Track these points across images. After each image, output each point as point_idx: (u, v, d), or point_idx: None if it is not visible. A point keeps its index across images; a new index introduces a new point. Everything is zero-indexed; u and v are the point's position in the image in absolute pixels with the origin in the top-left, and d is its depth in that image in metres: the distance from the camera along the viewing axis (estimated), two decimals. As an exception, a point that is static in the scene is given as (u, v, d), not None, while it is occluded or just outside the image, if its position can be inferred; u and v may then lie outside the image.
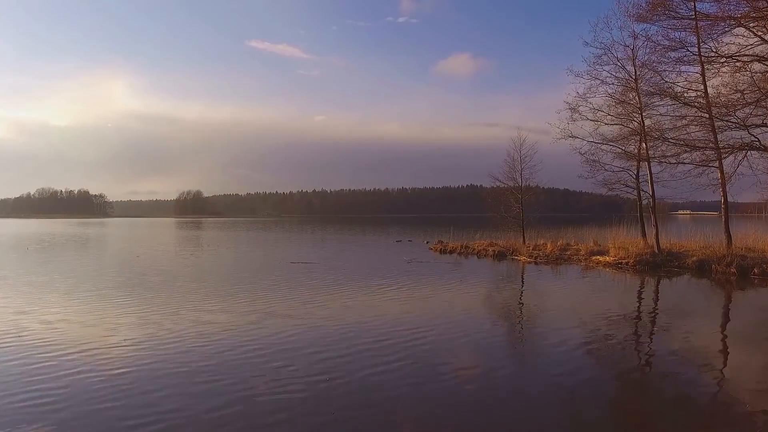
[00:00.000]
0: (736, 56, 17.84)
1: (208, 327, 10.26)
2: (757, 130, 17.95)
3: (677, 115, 20.15)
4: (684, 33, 19.33)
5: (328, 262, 23.75)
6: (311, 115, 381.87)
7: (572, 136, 22.96)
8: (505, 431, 5.72)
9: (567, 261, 23.41)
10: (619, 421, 6.25)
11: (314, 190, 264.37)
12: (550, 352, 8.88)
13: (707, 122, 19.19)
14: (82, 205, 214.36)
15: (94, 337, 9.45)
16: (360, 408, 6.20)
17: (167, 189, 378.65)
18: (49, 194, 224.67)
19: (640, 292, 16.44)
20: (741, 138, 18.37)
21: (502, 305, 14.07)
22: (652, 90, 20.42)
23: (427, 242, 36.28)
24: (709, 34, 18.47)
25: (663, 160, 20.66)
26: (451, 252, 29.23)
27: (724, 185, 19.68)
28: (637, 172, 23.19)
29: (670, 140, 19.78)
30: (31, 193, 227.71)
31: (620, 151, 23.00)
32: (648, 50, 20.70)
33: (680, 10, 19.25)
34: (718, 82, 18.91)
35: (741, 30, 17.54)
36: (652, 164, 21.61)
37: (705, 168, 19.55)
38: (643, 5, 20.21)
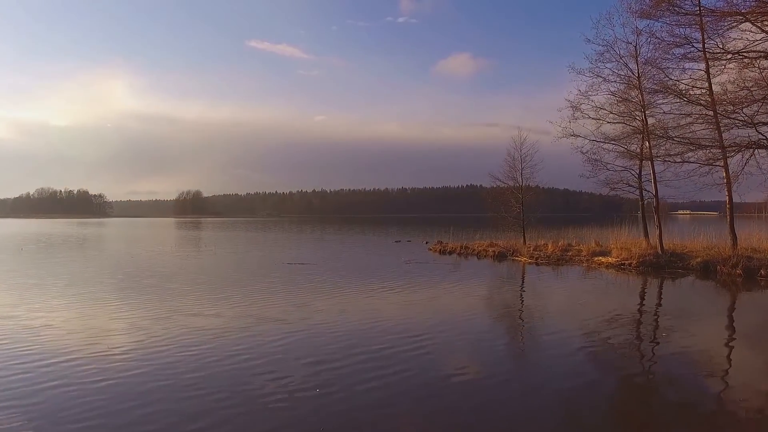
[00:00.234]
0: (742, 52, 17.37)
1: (197, 334, 9.80)
2: (765, 128, 17.45)
3: (681, 113, 19.71)
4: (688, 29, 18.88)
5: (325, 263, 23.30)
6: (311, 115, 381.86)
7: (574, 135, 22.54)
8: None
9: (568, 262, 22.97)
10: (620, 425, 6.09)
11: (314, 190, 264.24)
12: (551, 355, 8.70)
13: (712, 120, 18.74)
14: (82, 205, 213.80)
15: (77, 345, 8.99)
16: (350, 428, 5.74)
17: (167, 189, 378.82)
18: (48, 194, 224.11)
19: (643, 294, 16.01)
20: (748, 136, 17.91)
21: (502, 308, 13.62)
22: (656, 87, 19.97)
23: (426, 243, 35.84)
24: (715, 30, 18.01)
25: (667, 159, 20.23)
26: (450, 253, 28.78)
27: (729, 184, 19.24)
28: (639, 171, 22.77)
29: (675, 138, 19.31)
30: (31, 193, 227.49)
31: (622, 150, 22.60)
32: (651, 47, 20.27)
33: (685, 6, 18.81)
34: (724, 78, 18.47)
35: (747, 25, 17.06)
36: (655, 163, 21.17)
37: (711, 167, 19.07)
38: (647, 1, 19.78)
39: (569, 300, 14.53)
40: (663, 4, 18.99)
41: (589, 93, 22.13)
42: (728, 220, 19.69)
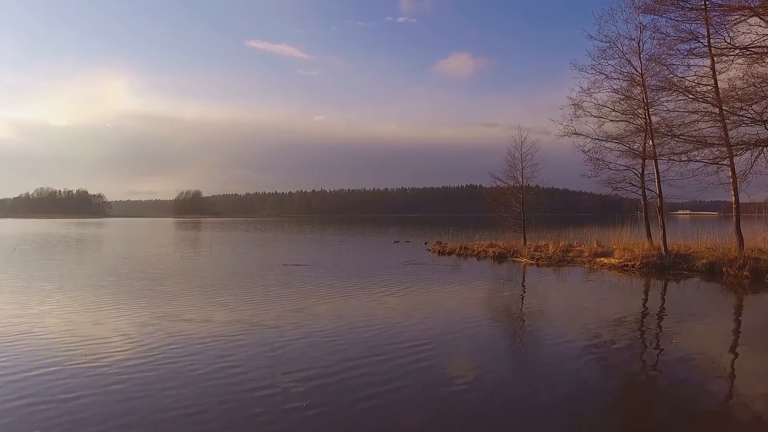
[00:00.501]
0: (751, 48, 16.84)
1: (183, 342, 9.25)
2: (775, 126, 16.94)
3: (686, 110, 19.16)
4: (694, 24, 18.33)
5: (322, 265, 22.78)
6: (310, 115, 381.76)
7: (576, 133, 22.00)
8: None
9: (570, 263, 22.47)
10: (624, 429, 6.00)
11: (313, 190, 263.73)
12: (552, 357, 8.52)
13: (718, 118, 18.21)
14: (81, 205, 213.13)
15: (54, 355, 8.44)
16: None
17: (166, 189, 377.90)
18: (47, 194, 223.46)
19: (648, 296, 15.53)
20: (757, 134, 17.37)
21: (504, 312, 13.09)
22: (661, 84, 19.40)
23: (426, 243, 35.31)
24: (722, 25, 17.44)
25: (671, 158, 19.70)
26: (449, 253, 28.27)
27: (735, 184, 18.72)
28: (642, 170, 22.27)
29: (680, 137, 18.77)
30: (30, 193, 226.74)
31: (625, 148, 22.08)
32: (656, 42, 19.72)
33: (690, 0, 18.26)
34: (732, 75, 17.91)
35: (755, 20, 16.53)
36: (659, 162, 20.66)
37: (718, 166, 18.53)
38: (651, -5, 19.24)
39: (572, 302, 14.05)
40: (668, -1, 18.46)
41: (592, 90, 21.63)
42: (734, 220, 19.16)
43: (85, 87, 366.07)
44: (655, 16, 19.24)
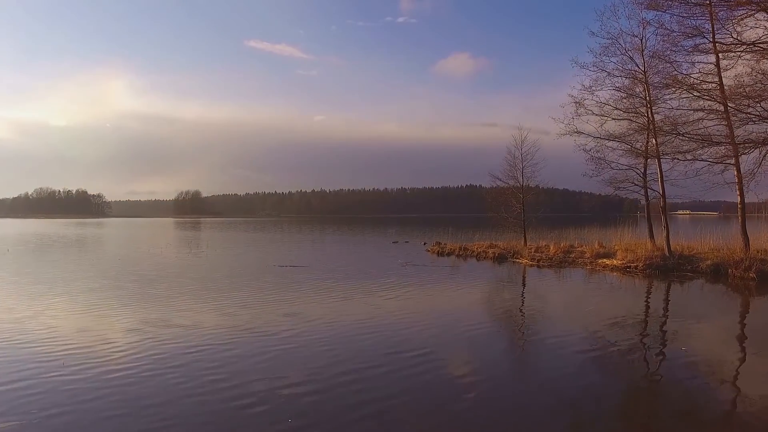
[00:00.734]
0: (758, 44, 16.35)
1: (168, 349, 8.79)
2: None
3: (690, 108, 18.68)
4: (698, 20, 17.84)
5: (318, 266, 22.33)
6: (310, 115, 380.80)
7: (577, 132, 21.52)
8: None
9: (571, 264, 22.00)
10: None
11: (313, 190, 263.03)
12: (553, 360, 8.36)
13: (723, 116, 17.75)
14: (81, 205, 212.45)
15: (29, 363, 8.00)
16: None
17: (166, 189, 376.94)
18: (47, 194, 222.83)
19: (651, 298, 15.11)
20: (765, 131, 16.88)
21: (505, 316, 12.64)
22: (666, 81, 18.90)
23: (425, 244, 34.85)
24: (728, 20, 16.94)
25: (676, 157, 19.22)
26: (448, 254, 27.81)
27: (740, 183, 18.26)
28: (644, 170, 21.83)
29: (684, 135, 18.28)
30: (29, 193, 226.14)
31: (627, 147, 21.63)
32: (660, 38, 19.23)
33: (694, -5, 17.79)
34: (739, 71, 17.41)
35: (762, 15, 16.04)
36: (662, 162, 20.20)
37: (725, 165, 18.04)
38: (654, -10, 18.76)
39: (574, 305, 13.64)
40: (672, -6, 17.97)
41: (593, 88, 21.17)
42: (740, 221, 18.70)
43: (85, 87, 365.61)
44: (658, 12, 18.77)
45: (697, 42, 17.95)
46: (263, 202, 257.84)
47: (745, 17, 16.45)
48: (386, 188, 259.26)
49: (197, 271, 20.93)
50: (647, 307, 13.71)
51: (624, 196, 24.27)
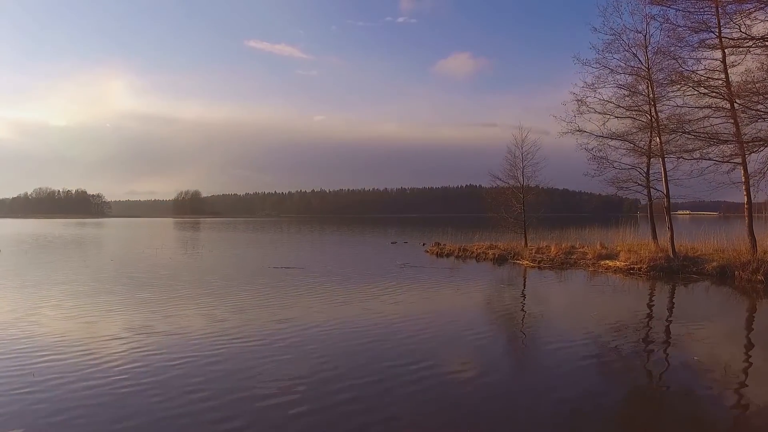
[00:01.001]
0: (767, 38, 15.80)
1: (151, 360, 8.23)
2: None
3: (696, 106, 18.11)
4: (705, 15, 17.28)
5: (314, 268, 21.78)
6: (310, 115, 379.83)
7: (579, 130, 20.99)
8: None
9: (573, 266, 21.48)
10: None
11: (313, 190, 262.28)
12: (554, 364, 8.16)
13: (729, 113, 17.21)
14: (80, 205, 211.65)
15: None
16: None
17: (166, 189, 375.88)
18: (46, 194, 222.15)
19: (656, 301, 14.63)
20: (775, 129, 16.35)
21: (504, 317, 12.13)
22: (671, 77, 18.31)
23: (424, 244, 34.32)
24: (737, 14, 16.35)
25: (682, 156, 18.67)
26: (448, 255, 27.29)
27: (747, 183, 17.73)
28: (647, 169, 21.32)
29: (690, 133, 17.72)
30: (29, 193, 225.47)
31: (630, 146, 21.11)
32: (665, 33, 18.68)
33: (700, -11, 17.22)
34: (750, 66, 16.81)
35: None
36: (666, 161, 19.68)
37: (734, 164, 17.48)
38: (658, -15, 18.22)
39: (577, 308, 13.17)
40: (676, -12, 17.42)
41: (596, 85, 20.66)
42: (747, 222, 18.16)
43: (84, 87, 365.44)
44: (662, 8, 18.22)
45: (703, 37, 17.42)
46: (263, 202, 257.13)
47: (754, 11, 15.91)
48: (386, 188, 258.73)
49: (191, 274, 20.41)
50: (652, 310, 13.24)
51: (626, 197, 23.72)
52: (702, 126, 17.70)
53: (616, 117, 20.74)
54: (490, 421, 5.91)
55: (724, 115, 17.31)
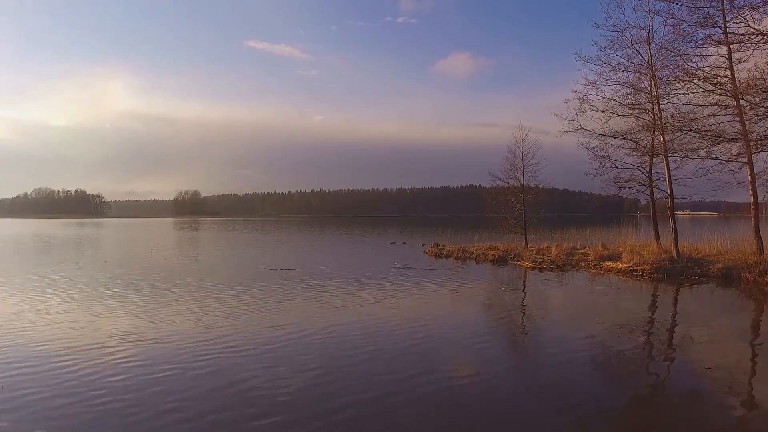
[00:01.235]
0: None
1: (130, 374, 7.74)
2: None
3: (701, 104, 17.65)
4: (712, 9, 16.80)
5: (311, 269, 21.32)
6: (310, 115, 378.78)
7: (581, 129, 20.52)
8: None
9: (575, 267, 21.03)
10: None
11: (312, 190, 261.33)
12: (557, 367, 7.99)
13: (736, 111, 16.75)
14: (80, 205, 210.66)
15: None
16: None
17: (166, 189, 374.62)
18: (46, 194, 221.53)
19: (660, 303, 14.22)
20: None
21: (504, 321, 11.67)
22: (678, 74, 17.84)
23: (423, 245, 33.86)
24: (745, 8, 15.89)
25: (688, 155, 18.21)
26: (447, 256, 26.84)
27: (753, 183, 17.27)
28: (650, 169, 20.87)
29: (696, 131, 17.26)
30: (28, 193, 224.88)
31: (633, 145, 20.64)
32: (669, 29, 18.20)
33: (706, -17, 16.74)
34: (758, 62, 16.34)
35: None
36: (669, 160, 19.24)
37: (742, 163, 17.02)
38: (662, -21, 17.74)
39: (579, 311, 12.74)
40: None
41: (598, 83, 20.20)
42: (753, 222, 17.70)
43: (84, 87, 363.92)
44: (667, 2, 17.73)
45: (709, 33, 16.94)
46: (263, 202, 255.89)
47: (763, 5, 15.45)
48: (386, 188, 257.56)
49: (185, 276, 19.94)
50: (656, 312, 12.85)
51: (626, 197, 23.27)
52: (708, 124, 17.24)
53: (618, 115, 20.29)
54: (492, 426, 5.86)
55: (731, 113, 16.85)
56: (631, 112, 20.30)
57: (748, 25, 15.80)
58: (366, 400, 6.61)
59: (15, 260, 26.71)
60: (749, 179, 17.34)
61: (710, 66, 17.69)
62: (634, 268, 18.99)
